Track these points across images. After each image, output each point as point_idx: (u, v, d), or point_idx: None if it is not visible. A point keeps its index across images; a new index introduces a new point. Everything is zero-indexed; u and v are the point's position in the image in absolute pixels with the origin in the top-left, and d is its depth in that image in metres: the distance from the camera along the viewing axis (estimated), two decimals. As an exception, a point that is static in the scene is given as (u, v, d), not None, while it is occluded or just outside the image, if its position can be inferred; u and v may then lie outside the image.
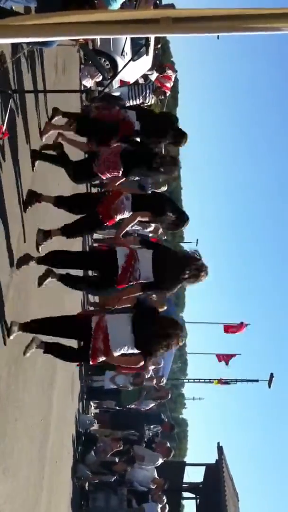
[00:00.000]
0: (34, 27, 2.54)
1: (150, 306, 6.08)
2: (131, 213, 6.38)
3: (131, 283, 5.84)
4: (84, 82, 11.01)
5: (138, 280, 5.74)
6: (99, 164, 6.62)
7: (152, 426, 13.17)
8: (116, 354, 5.23)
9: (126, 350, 5.23)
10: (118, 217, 6.35)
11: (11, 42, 4.96)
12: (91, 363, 5.32)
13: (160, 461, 12.07)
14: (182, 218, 6.74)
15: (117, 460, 11.75)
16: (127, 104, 12.11)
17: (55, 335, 5.55)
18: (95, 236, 12.58)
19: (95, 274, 6.05)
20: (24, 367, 5.67)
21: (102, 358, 5.23)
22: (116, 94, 11.65)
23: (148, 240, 6.90)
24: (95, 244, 12.62)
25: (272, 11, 2.38)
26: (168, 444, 13.01)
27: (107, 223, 6.38)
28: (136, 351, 5.26)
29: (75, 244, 7.51)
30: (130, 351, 5.26)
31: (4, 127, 4.89)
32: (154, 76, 14.04)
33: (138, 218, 6.56)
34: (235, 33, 2.49)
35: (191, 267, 5.66)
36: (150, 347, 5.26)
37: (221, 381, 26.96)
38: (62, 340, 5.61)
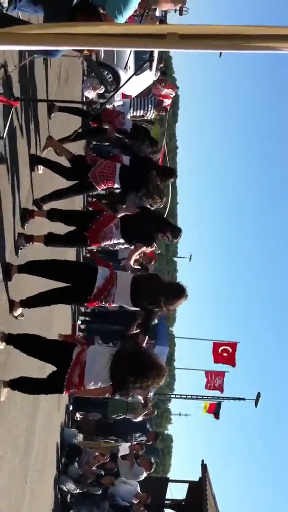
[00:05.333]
0: (40, 36, 2.55)
1: (135, 342, 6.12)
2: (120, 240, 6.62)
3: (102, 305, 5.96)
4: (86, 94, 11.06)
5: (111, 304, 5.81)
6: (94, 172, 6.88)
7: (137, 435, 13.04)
8: (87, 387, 5.16)
9: (99, 385, 5.17)
10: (104, 243, 6.61)
11: (16, 50, 4.99)
12: (64, 393, 5.30)
13: (144, 475, 11.99)
14: (174, 236, 6.99)
15: (102, 473, 11.65)
16: (129, 116, 12.19)
17: (33, 355, 5.48)
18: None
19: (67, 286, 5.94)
20: (9, 376, 5.63)
21: (74, 390, 5.20)
22: (119, 104, 11.71)
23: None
24: (88, 255, 12.64)
25: (277, 31, 2.39)
26: (152, 460, 12.91)
27: (92, 245, 6.70)
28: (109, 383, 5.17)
29: (68, 254, 7.45)
30: (103, 385, 5.17)
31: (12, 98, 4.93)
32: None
33: (134, 256, 6.95)
34: (240, 51, 2.51)
35: (170, 294, 5.82)
36: (123, 386, 5.15)
37: (211, 407, 26.57)
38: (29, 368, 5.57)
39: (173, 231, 6.99)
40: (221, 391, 24.66)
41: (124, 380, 5.07)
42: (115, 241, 6.65)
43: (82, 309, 13.71)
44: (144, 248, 7.12)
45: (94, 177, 6.89)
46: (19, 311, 5.64)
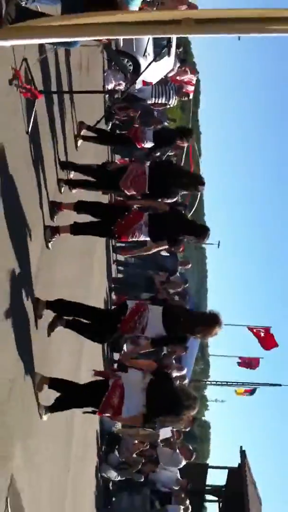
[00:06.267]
0: (59, 28, 2.59)
1: (167, 373, 6.05)
2: (147, 238, 6.62)
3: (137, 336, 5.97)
4: (107, 86, 11.07)
5: (143, 334, 5.78)
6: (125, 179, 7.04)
7: None
8: (123, 416, 5.32)
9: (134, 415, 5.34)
10: (132, 239, 6.58)
11: (37, 43, 5.04)
12: (97, 414, 5.46)
13: (183, 463, 12.04)
14: (203, 236, 6.89)
15: (143, 460, 11.74)
16: (150, 102, 12.19)
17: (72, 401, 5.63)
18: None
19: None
20: (49, 369, 5.74)
21: (108, 414, 5.31)
22: (139, 93, 11.73)
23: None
24: (114, 297, 12.63)
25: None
26: (190, 447, 12.95)
27: (120, 239, 6.75)
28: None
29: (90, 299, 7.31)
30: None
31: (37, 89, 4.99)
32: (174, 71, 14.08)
33: (153, 250, 6.96)
34: (256, 34, 2.51)
35: (205, 326, 5.71)
36: (155, 419, 5.35)
37: (245, 391, 26.57)
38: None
39: (200, 234, 6.93)
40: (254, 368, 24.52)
41: (158, 416, 5.30)
42: (142, 238, 6.66)
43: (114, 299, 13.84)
44: (166, 247, 7.16)
45: (125, 186, 7.08)
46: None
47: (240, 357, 25.21)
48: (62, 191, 6.92)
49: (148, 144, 9.51)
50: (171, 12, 3.08)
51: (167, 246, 7.11)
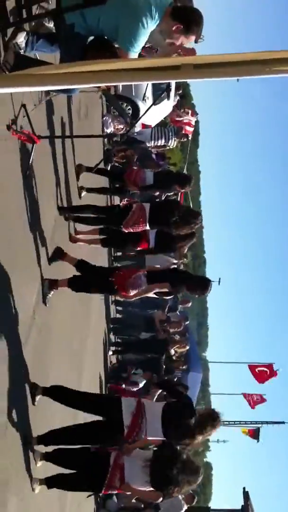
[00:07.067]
0: (58, 76, 2.60)
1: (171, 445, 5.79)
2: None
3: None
4: (106, 130, 11.21)
5: (144, 437, 5.57)
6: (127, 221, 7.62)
7: None
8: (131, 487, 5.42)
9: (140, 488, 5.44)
10: (132, 292, 6.52)
11: (35, 91, 5.09)
12: (101, 493, 5.42)
13: (185, 508, 11.76)
14: (203, 292, 7.05)
15: (142, 506, 11.46)
16: (149, 145, 12.35)
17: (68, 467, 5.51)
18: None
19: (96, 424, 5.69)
20: (43, 415, 5.64)
21: (114, 492, 5.41)
22: (138, 136, 11.87)
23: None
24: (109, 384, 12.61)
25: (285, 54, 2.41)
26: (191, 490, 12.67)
27: (122, 294, 6.69)
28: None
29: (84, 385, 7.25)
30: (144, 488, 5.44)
31: (36, 134, 5.01)
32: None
33: (156, 290, 6.90)
34: (254, 76, 2.53)
35: (204, 425, 5.55)
36: (165, 491, 5.41)
37: (250, 432, 26.11)
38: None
39: (202, 288, 7.10)
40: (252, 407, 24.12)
41: (166, 487, 5.34)
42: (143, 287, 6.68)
43: (113, 339, 13.74)
44: (157, 289, 7.10)
45: (126, 227, 7.65)
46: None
47: (243, 394, 24.84)
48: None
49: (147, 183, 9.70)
50: (170, 58, 3.12)
51: (167, 289, 7.08)
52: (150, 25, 4.14)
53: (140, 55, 4.54)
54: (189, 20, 4.25)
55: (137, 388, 11.10)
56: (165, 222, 7.70)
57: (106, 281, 6.51)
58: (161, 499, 5.62)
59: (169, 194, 11.44)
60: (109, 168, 11.91)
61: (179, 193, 12.81)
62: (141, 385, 11.24)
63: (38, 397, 5.34)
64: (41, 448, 5.30)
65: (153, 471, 5.28)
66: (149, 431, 5.45)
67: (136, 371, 11.62)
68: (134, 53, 4.24)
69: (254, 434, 25.85)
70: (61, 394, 5.57)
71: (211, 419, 5.56)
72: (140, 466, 5.30)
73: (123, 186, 9.93)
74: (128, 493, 5.96)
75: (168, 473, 5.27)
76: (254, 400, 23.74)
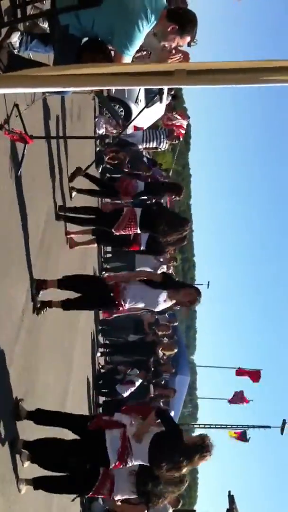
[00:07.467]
0: (51, 78, 2.60)
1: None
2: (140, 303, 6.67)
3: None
4: (98, 131, 11.22)
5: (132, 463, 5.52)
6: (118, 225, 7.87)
7: None
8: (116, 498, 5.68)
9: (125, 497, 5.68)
10: (128, 305, 6.52)
11: (28, 92, 5.09)
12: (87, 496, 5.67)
13: (170, 511, 11.76)
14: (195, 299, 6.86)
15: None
16: (141, 147, 12.37)
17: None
18: None
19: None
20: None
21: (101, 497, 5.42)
22: (130, 138, 11.88)
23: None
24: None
25: (280, 63, 2.43)
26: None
27: (119, 307, 6.62)
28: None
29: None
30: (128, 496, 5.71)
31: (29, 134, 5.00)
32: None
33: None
34: (247, 85, 2.54)
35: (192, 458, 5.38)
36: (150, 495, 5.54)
37: (237, 435, 26.11)
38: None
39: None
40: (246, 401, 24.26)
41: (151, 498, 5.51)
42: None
43: (101, 340, 13.73)
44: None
45: (117, 230, 7.90)
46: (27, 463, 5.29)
47: (229, 400, 24.93)
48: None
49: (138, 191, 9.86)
50: (164, 64, 3.13)
51: None
52: (145, 29, 4.15)
53: (132, 60, 4.55)
54: (184, 20, 4.28)
55: (133, 388, 11.07)
56: (154, 229, 7.99)
57: (104, 294, 6.59)
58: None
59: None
60: (100, 170, 11.93)
61: (168, 200, 12.86)
62: (137, 383, 11.24)
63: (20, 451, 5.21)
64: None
65: (138, 482, 5.37)
66: (135, 458, 5.41)
67: (131, 371, 11.61)
68: (128, 56, 4.24)
69: (242, 436, 25.85)
70: (39, 446, 5.33)
71: (200, 450, 5.37)
72: (126, 475, 5.38)
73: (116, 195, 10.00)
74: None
75: (152, 490, 5.37)
76: (240, 398, 23.87)
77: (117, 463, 5.33)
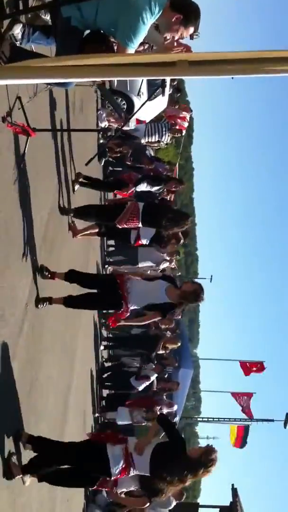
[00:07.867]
0: (54, 69, 2.61)
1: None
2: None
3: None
4: (101, 124, 11.21)
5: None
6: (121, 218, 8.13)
7: None
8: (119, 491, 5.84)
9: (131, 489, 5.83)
10: (132, 307, 6.67)
11: (31, 83, 5.08)
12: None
13: (174, 504, 11.80)
14: (198, 297, 6.77)
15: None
16: (143, 141, 12.35)
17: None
18: None
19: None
20: (35, 410, 5.65)
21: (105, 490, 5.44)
22: (133, 130, 11.88)
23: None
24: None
25: (281, 54, 2.43)
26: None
27: (126, 311, 6.72)
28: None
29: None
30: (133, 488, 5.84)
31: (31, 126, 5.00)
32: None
33: (147, 321, 7.58)
34: (249, 75, 2.54)
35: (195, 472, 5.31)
36: (153, 490, 5.45)
37: (238, 436, 26.02)
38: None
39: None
40: (251, 416, 24.17)
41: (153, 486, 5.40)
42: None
43: (105, 334, 13.75)
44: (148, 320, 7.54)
45: (121, 223, 8.15)
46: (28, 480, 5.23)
47: (231, 393, 24.89)
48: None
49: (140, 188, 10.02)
50: (166, 54, 3.12)
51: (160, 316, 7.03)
52: (150, 21, 4.14)
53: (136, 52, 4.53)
54: (188, 10, 4.27)
55: (148, 383, 11.11)
56: (156, 223, 8.31)
57: (112, 295, 6.70)
58: (147, 504, 5.69)
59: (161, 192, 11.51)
60: (102, 163, 11.91)
61: (170, 194, 12.84)
62: (152, 378, 11.28)
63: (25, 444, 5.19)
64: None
65: (142, 478, 5.48)
66: (137, 471, 5.49)
67: (147, 366, 11.62)
68: (132, 49, 4.23)
69: (243, 435, 25.73)
70: (43, 445, 5.31)
71: (205, 465, 5.29)
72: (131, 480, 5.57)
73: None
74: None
75: (155, 487, 5.32)
76: (242, 404, 23.79)
77: (118, 476, 5.46)
